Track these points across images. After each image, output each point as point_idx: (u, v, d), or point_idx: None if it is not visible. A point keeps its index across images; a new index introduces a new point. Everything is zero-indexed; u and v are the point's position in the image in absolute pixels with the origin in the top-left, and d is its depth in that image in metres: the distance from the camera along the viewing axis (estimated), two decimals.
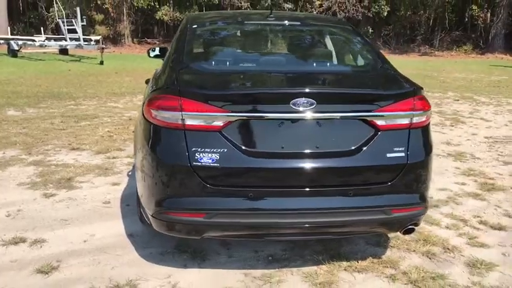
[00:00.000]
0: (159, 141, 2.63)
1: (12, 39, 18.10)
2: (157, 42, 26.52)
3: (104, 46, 17.46)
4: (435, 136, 6.48)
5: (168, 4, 26.35)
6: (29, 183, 4.37)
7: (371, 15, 25.64)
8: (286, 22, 3.79)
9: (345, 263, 3.03)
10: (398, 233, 3.01)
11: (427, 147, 2.82)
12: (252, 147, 2.57)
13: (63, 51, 18.77)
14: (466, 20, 28.11)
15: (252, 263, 3.04)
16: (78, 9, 17.54)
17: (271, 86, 2.87)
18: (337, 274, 2.91)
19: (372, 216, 2.69)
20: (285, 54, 3.73)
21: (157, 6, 25.51)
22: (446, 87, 11.67)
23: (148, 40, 26.92)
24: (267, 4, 25.04)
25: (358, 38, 3.56)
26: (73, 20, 17.26)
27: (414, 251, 3.24)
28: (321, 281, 2.82)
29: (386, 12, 25.50)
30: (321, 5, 25.06)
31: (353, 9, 24.99)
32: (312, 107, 2.53)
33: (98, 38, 18.23)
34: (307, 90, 2.55)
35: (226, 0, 25.28)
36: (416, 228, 2.91)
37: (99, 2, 23.14)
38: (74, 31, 17.47)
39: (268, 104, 2.57)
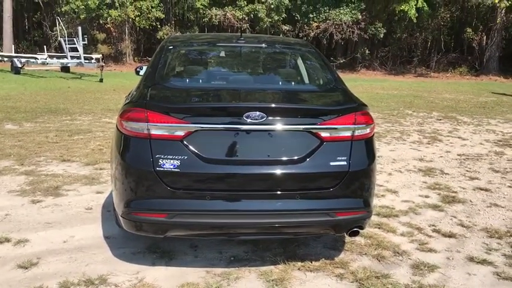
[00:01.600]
0: (128, 149, 2.96)
1: (16, 56, 18.62)
2: None
3: (104, 64, 17.95)
4: (410, 153, 6.86)
5: (169, 24, 26.97)
6: (18, 190, 4.69)
7: (367, 37, 26.15)
8: (253, 44, 4.16)
9: (299, 264, 3.32)
10: (349, 236, 3.31)
11: (370, 157, 3.13)
12: (209, 155, 2.89)
13: (65, 68, 19.28)
14: (463, 42, 28.65)
15: (215, 262, 3.33)
16: (79, 28, 18.09)
17: (227, 100, 3.21)
18: (291, 273, 3.20)
19: (317, 218, 3.00)
20: (247, 73, 4.09)
21: (159, 26, 26.10)
22: (432, 107, 12.01)
23: (150, 58, 27.50)
24: (265, 26, 25.63)
25: (318, 59, 3.90)
26: (74, 39, 17.79)
27: (366, 254, 3.53)
28: (274, 278, 3.11)
29: (382, 34, 26.03)
30: (318, 27, 25.61)
31: (349, 31, 25.52)
32: (262, 119, 2.86)
33: (99, 56, 18.72)
34: (258, 105, 2.90)
35: (225, 22, 25.88)
36: (365, 232, 3.23)
37: (101, 22, 23.72)
38: (75, 49, 17.98)
39: (223, 116, 2.91)
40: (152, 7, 25.04)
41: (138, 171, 2.90)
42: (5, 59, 19.73)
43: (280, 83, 3.72)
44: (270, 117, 2.87)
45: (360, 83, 19.85)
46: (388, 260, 3.45)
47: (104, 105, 11.01)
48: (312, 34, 25.51)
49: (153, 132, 2.87)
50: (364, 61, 27.82)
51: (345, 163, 2.98)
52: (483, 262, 3.46)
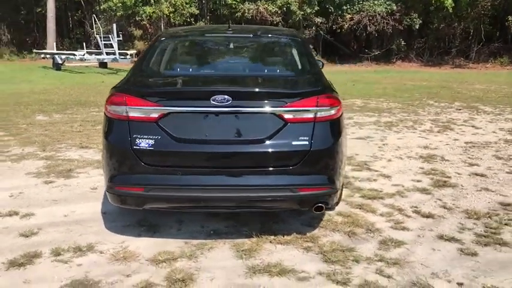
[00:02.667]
0: (111, 130, 3.31)
1: (57, 53, 19.57)
2: None
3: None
4: (417, 141, 6.93)
5: (203, 20, 27.47)
6: (35, 173, 5.16)
7: (402, 28, 25.75)
8: (240, 34, 4.42)
9: (272, 237, 3.57)
10: (315, 211, 3.47)
11: (334, 137, 3.34)
12: (181, 135, 3.19)
13: (103, 64, 20.08)
14: (507, 31, 27.68)
15: (196, 235, 3.63)
16: (114, 25, 18.83)
17: (198, 86, 3.50)
18: (262, 245, 3.46)
19: (281, 193, 3.25)
20: (228, 61, 4.35)
21: (194, 22, 26.64)
22: (456, 97, 11.86)
23: None
24: (297, 18, 25.71)
25: (301, 48, 4.12)
26: (109, 36, 18.53)
27: (338, 230, 3.74)
28: (245, 249, 3.38)
29: (418, 25, 25.56)
30: (351, 19, 25.44)
31: (384, 23, 25.21)
32: (228, 102, 3.12)
33: (133, 52, 19.41)
34: (223, 88, 3.17)
35: (258, 16, 26.11)
36: (344, 211, 3.48)
37: (137, 19, 24.48)
38: (111, 46, 18.73)
39: (193, 100, 3.20)
40: (186, 3, 25.56)
41: (118, 150, 3.24)
42: (47, 56, 20.76)
43: (256, 69, 3.97)
44: (235, 101, 3.14)
45: (392, 74, 19.69)
46: (358, 237, 3.65)
47: None
48: (345, 26, 25.38)
49: (131, 114, 3.19)
50: (400, 53, 27.38)
51: (306, 143, 3.20)
52: (451, 239, 3.60)
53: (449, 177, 5.22)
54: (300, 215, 3.99)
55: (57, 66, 18.92)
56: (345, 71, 21.40)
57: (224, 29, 4.25)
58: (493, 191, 4.76)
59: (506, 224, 3.92)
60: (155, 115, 3.17)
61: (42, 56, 21.42)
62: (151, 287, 2.88)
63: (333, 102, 3.32)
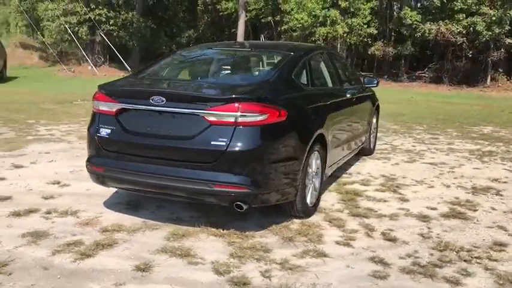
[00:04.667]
0: (90, 121, 4.14)
1: None
2: (371, 76, 27.70)
3: None
4: (494, 173, 6.35)
5: (382, 40, 27.28)
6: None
7: None
8: (240, 48, 4.85)
9: (213, 229, 3.93)
10: (236, 209, 3.73)
11: (258, 141, 3.58)
12: (131, 127, 3.84)
13: None
14: None
15: (159, 218, 4.19)
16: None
17: (144, 87, 4.07)
18: (197, 234, 3.85)
19: (199, 186, 3.62)
20: (203, 70, 4.78)
21: (370, 42, 26.69)
22: None
23: (364, 73, 28.25)
24: (484, 39, 23.63)
25: (281, 61, 4.39)
26: None
27: (279, 234, 3.89)
28: (178, 233, 3.82)
29: None
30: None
31: None
32: (163, 103, 3.66)
33: None
34: (159, 91, 3.71)
35: (439, 36, 24.81)
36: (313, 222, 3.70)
37: (313, 39, 25.66)
38: None
39: (138, 99, 3.82)
40: (364, 23, 25.76)
41: (90, 137, 4.06)
42: None
43: (220, 77, 4.37)
44: (169, 102, 3.65)
45: None
46: (291, 243, 3.75)
47: None
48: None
49: (100, 108, 3.97)
50: None
51: (223, 144, 3.53)
52: (378, 262, 3.46)
53: (475, 210, 4.71)
54: (267, 216, 4.23)
55: None
56: None
57: (231, 44, 4.76)
58: (503, 228, 4.20)
59: (465, 260, 3.53)
60: (114, 110, 3.89)
61: None
62: (77, 244, 3.57)
63: (259, 110, 3.56)
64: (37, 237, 3.69)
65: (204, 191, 3.65)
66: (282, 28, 26.90)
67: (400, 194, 5.18)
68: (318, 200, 4.55)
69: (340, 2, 24.95)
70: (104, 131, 3.91)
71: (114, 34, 26.37)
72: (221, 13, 30.70)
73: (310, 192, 4.34)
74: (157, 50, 30.18)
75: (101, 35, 25.58)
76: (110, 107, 3.92)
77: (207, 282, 3.10)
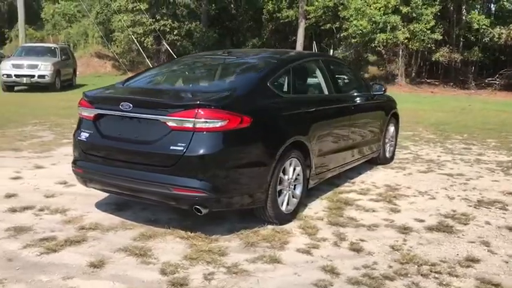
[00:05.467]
0: (76, 126, 4.42)
1: None
2: (437, 83, 26.69)
3: None
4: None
5: (448, 46, 26.16)
6: None
7: None
8: (227, 57, 4.95)
9: (182, 232, 4.05)
10: (196, 212, 3.84)
11: (216, 146, 3.67)
12: (105, 132, 4.08)
13: None
14: None
15: (138, 219, 4.38)
16: (330, 52, 20.07)
17: (116, 94, 4.26)
18: (165, 236, 3.99)
19: (160, 189, 3.77)
20: (184, 77, 4.90)
21: (434, 48, 25.68)
22: None
23: (428, 80, 27.23)
24: None
25: (256, 68, 4.47)
26: None
27: (244, 240, 3.94)
28: (148, 234, 3.98)
29: None
30: None
31: None
32: (130, 109, 3.86)
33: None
34: (127, 97, 3.91)
35: (509, 41, 23.38)
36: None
37: (372, 45, 25.13)
38: None
39: (110, 105, 4.04)
40: (427, 29, 24.85)
41: (74, 140, 4.34)
42: None
43: (193, 85, 4.49)
44: (135, 108, 3.85)
45: None
46: (250, 248, 3.80)
47: None
48: None
49: (82, 113, 4.25)
50: None
51: (181, 148, 3.66)
52: (329, 272, 3.42)
53: (466, 224, 4.48)
54: (242, 221, 4.31)
55: None
56: None
57: (221, 53, 4.91)
58: (485, 244, 3.96)
59: (422, 275, 3.40)
60: (92, 115, 4.14)
61: None
62: (49, 240, 3.84)
63: (217, 116, 3.66)
64: (19, 231, 4.01)
65: (165, 194, 3.79)
66: (342, 35, 26.60)
67: (394, 204, 5.03)
68: (298, 206, 4.54)
69: (401, 8, 24.26)
70: (84, 135, 4.19)
71: (178, 44, 27.42)
72: (281, 21, 30.88)
73: (286, 199, 4.35)
74: None
75: (165, 44, 26.66)
76: (89, 112, 4.19)
77: (148, 281, 3.23)
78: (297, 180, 4.50)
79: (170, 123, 3.73)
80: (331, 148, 5.10)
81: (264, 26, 37.20)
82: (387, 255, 3.74)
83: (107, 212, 4.58)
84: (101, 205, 4.75)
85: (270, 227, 4.25)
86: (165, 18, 27.07)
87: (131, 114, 3.89)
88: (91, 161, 4.18)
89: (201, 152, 3.67)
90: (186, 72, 5.12)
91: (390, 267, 3.54)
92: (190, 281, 3.23)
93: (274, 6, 31.59)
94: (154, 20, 26.85)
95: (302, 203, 4.82)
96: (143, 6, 26.66)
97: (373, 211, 4.80)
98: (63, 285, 3.15)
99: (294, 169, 4.44)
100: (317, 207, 4.86)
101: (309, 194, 5.14)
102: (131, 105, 3.86)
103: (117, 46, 28.84)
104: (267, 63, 4.66)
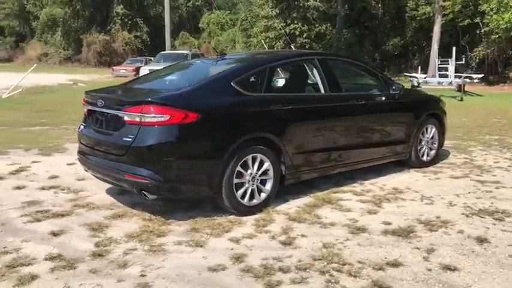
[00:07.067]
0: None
1: (411, 77, 20.96)
2: None
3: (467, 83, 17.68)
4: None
5: None
6: None
7: None
8: (215, 60, 5.29)
9: (147, 215, 4.56)
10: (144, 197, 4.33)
11: (159, 139, 4.12)
12: (91, 125, 4.80)
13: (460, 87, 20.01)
14: None
15: (129, 202, 4.99)
16: (454, 49, 18.54)
17: (98, 93, 4.86)
18: (132, 217, 4.54)
19: (118, 175, 4.34)
20: (165, 79, 5.27)
21: None
22: None
23: None
24: None
25: (226, 70, 4.83)
26: (449, 59, 18.45)
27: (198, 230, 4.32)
28: (119, 214, 4.57)
29: None
30: None
31: None
32: (102, 105, 4.51)
33: (479, 76, 18.53)
34: (100, 95, 4.56)
35: None
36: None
37: None
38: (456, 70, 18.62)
39: (93, 102, 4.72)
40: None
41: (77, 132, 5.16)
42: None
43: (165, 84, 4.91)
44: (105, 104, 4.49)
45: None
46: (193, 230, 4.15)
47: None
48: None
49: (84, 109, 5.04)
50: None
51: (130, 140, 4.19)
52: (238, 262, 3.62)
53: (433, 230, 4.21)
54: (211, 210, 4.67)
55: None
56: None
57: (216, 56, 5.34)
58: (429, 252, 3.72)
59: (322, 272, 3.42)
60: (86, 110, 4.90)
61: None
62: (44, 212, 4.65)
63: (159, 111, 4.10)
64: (30, 204, 4.92)
65: (121, 179, 4.37)
66: (483, 31, 24.33)
67: (379, 207, 4.87)
68: (269, 200, 4.76)
69: None
70: (81, 127, 4.98)
71: (307, 46, 27.96)
72: (418, 18, 29.35)
73: (249, 192, 4.57)
74: None
75: (291, 47, 27.40)
76: (85, 108, 4.96)
77: (78, 250, 3.77)
78: (266, 175, 4.68)
79: (125, 118, 4.29)
80: (317, 148, 5.12)
81: (407, 25, 35.68)
82: (309, 251, 3.77)
83: (111, 195, 5.27)
84: (110, 190, 5.49)
85: (231, 217, 4.53)
86: (295, 22, 27.80)
87: (103, 110, 4.56)
88: (84, 150, 4.92)
89: (145, 143, 4.15)
90: (171, 75, 5.61)
91: (300, 261, 3.59)
92: (109, 254, 3.73)
93: (413, 3, 30.19)
94: (285, 24, 27.78)
95: (284, 198, 5.01)
96: (275, 11, 27.81)
97: (348, 211, 4.74)
98: (17, 246, 3.88)
99: (261, 165, 4.63)
100: (296, 203, 4.95)
101: (302, 191, 5.27)
102: (103, 102, 4.52)
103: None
104: (239, 64, 4.93)
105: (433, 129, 6.52)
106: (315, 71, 5.31)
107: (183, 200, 4.86)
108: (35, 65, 21.29)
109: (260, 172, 4.65)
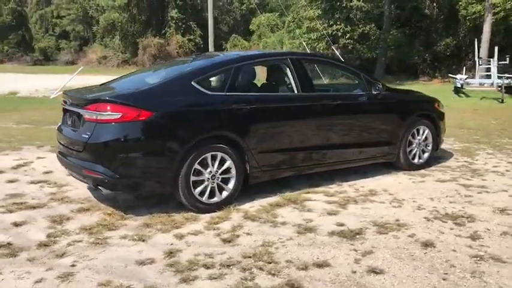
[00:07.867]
0: None
1: (454, 78, 20.10)
2: None
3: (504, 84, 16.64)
4: None
5: None
6: None
7: None
8: (187, 60, 5.38)
9: (111, 209, 4.74)
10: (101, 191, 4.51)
11: (112, 136, 4.29)
12: (64, 123, 5.03)
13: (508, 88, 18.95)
14: None
15: (104, 197, 5.22)
16: (496, 48, 17.57)
17: (67, 93, 5.06)
18: (95, 211, 4.74)
19: (78, 170, 4.54)
20: (135, 79, 5.37)
21: None
22: None
23: None
24: None
25: (189, 70, 4.91)
26: (491, 60, 17.53)
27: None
28: (91, 208, 4.79)
29: None
30: None
31: None
32: (69, 104, 4.74)
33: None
34: (68, 94, 4.78)
35: None
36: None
37: None
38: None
39: (64, 101, 4.96)
40: None
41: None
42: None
43: (133, 84, 5.04)
44: (71, 103, 4.72)
45: None
46: (145, 225, 4.29)
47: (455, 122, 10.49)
48: None
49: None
50: None
51: (87, 136, 4.37)
52: (206, 258, 3.71)
53: (382, 233, 4.11)
54: (173, 207, 4.79)
55: (456, 90, 19.46)
56: None
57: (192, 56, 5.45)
58: (367, 255, 3.64)
59: (244, 268, 3.42)
60: (62, 109, 5.16)
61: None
62: (20, 204, 4.94)
63: (112, 109, 4.27)
64: (12, 196, 5.23)
65: (81, 174, 4.57)
66: None
67: (343, 208, 4.79)
68: (231, 199, 4.82)
69: None
70: (60, 125, 5.23)
71: (350, 47, 27.53)
72: (468, 17, 28.16)
73: (208, 190, 4.64)
74: (404, 61, 30.03)
75: (333, 49, 27.08)
76: (62, 107, 5.22)
77: (30, 240, 4.02)
78: (228, 173, 4.74)
79: (85, 115, 4.48)
80: (286, 147, 5.11)
81: (461, 24, 34.29)
82: (245, 249, 3.80)
83: (90, 190, 5.49)
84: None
85: (188, 214, 4.61)
86: (338, 22, 27.42)
87: (69, 108, 4.79)
88: (60, 149, 5.16)
89: (100, 140, 4.33)
90: (144, 74, 5.76)
91: (229, 258, 3.63)
92: (54, 244, 3.93)
93: (465, 2, 28.97)
94: (327, 25, 27.49)
95: (251, 197, 5.05)
96: (317, 13, 27.61)
97: (308, 211, 4.70)
98: None
99: (223, 163, 4.69)
100: (260, 202, 4.96)
101: (273, 190, 5.27)
102: (70, 101, 4.75)
103: None
104: (204, 64, 5.00)
105: (426, 131, 6.29)
106: (287, 71, 5.30)
107: (152, 197, 5.00)
108: (81, 67, 22.30)
109: (221, 171, 4.70)
